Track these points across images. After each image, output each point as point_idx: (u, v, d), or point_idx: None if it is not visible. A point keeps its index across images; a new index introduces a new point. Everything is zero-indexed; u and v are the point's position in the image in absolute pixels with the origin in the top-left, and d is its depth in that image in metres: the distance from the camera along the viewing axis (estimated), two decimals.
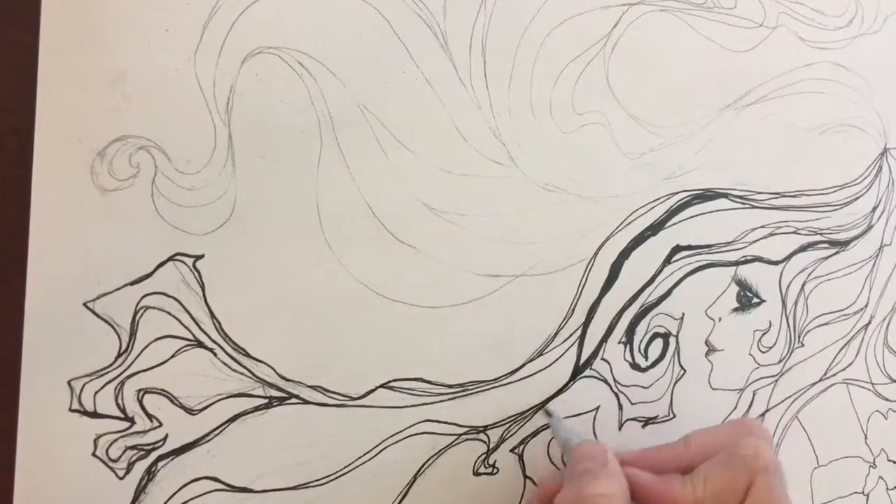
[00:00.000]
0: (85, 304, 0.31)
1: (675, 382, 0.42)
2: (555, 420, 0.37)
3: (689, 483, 0.32)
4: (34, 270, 0.30)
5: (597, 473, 0.31)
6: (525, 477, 0.38)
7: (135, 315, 0.32)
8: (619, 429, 0.40)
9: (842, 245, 0.46)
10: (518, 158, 0.38)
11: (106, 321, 0.31)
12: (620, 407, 0.40)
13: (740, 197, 0.43)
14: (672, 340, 0.41)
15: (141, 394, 0.32)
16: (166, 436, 0.32)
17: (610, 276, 0.40)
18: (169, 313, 0.32)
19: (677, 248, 0.41)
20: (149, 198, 0.32)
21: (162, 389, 0.32)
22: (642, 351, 0.41)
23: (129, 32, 0.31)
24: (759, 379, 0.44)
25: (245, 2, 0.33)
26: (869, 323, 0.47)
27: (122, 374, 0.31)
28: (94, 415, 0.31)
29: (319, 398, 0.34)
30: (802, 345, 0.45)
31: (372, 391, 0.35)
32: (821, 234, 0.45)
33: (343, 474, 0.35)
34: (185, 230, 0.32)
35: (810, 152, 0.44)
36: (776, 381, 0.44)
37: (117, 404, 0.31)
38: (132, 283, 0.32)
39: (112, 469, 0.31)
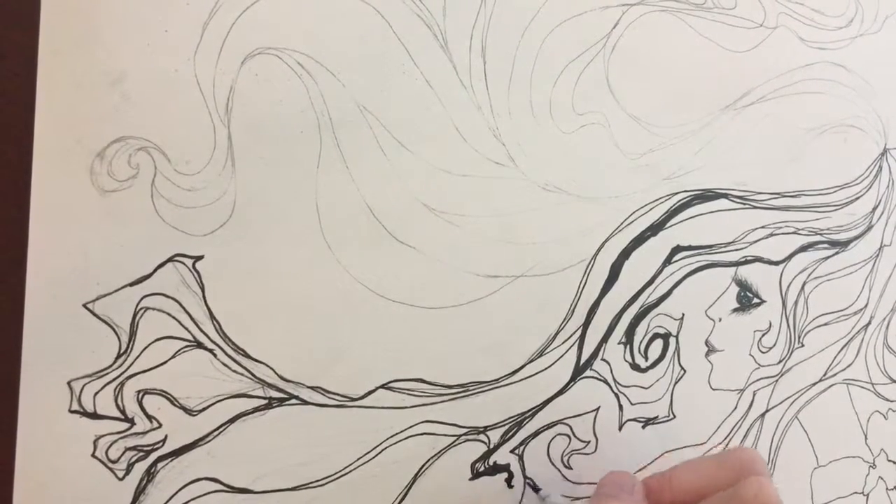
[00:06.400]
0: (84, 305, 0.31)
1: (675, 383, 0.41)
2: (544, 495, 0.37)
3: None
4: (34, 271, 0.30)
5: (621, 499, 0.32)
6: (525, 478, 0.38)
7: (134, 316, 0.32)
8: (620, 429, 0.40)
9: (842, 245, 0.46)
10: (518, 159, 0.38)
11: (105, 322, 0.31)
12: (620, 407, 0.40)
13: (740, 197, 0.43)
14: (672, 341, 0.41)
15: (140, 395, 0.32)
16: (166, 437, 0.32)
17: (610, 276, 0.40)
18: (168, 314, 0.32)
19: (677, 249, 0.41)
20: (148, 199, 0.32)
21: (162, 390, 0.32)
22: (642, 351, 0.41)
23: (128, 33, 0.31)
24: (760, 379, 0.44)
25: (245, 2, 0.33)
26: (869, 323, 0.47)
27: (121, 374, 0.31)
28: (94, 416, 0.31)
29: (319, 399, 0.34)
30: (802, 345, 0.45)
31: (372, 392, 0.35)
32: (821, 234, 0.45)
33: (343, 475, 0.35)
34: (185, 231, 0.32)
35: (810, 152, 0.44)
36: (776, 381, 0.44)
37: (117, 405, 0.31)
38: (132, 284, 0.32)
39: (112, 470, 0.31)
